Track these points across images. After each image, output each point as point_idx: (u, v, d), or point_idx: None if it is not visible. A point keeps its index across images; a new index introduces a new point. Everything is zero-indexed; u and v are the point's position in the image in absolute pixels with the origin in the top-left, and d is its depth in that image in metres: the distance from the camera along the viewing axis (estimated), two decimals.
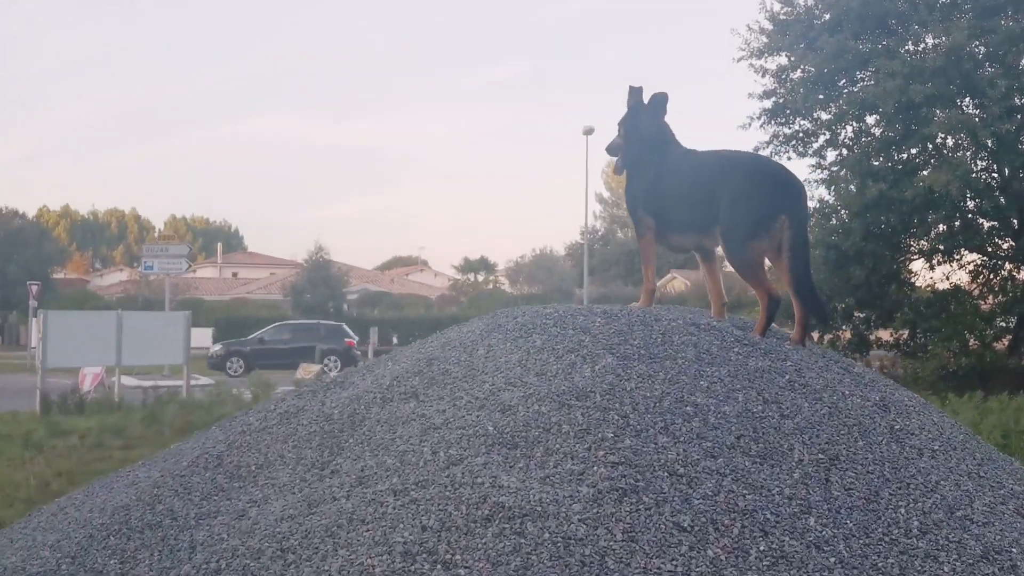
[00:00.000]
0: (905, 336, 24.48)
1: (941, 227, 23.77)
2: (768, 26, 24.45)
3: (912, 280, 25.01)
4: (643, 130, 6.31)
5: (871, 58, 22.38)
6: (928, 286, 25.16)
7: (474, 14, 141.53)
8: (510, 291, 54.38)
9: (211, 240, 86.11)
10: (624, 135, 6.37)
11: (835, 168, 24.55)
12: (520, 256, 58.77)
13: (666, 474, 4.05)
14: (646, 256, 6.39)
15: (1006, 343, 23.06)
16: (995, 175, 23.32)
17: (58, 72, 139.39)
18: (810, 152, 25.22)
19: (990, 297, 23.64)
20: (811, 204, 25.01)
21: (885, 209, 22.26)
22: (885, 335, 25.33)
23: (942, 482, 4.51)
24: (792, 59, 24.13)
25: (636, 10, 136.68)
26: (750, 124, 25.01)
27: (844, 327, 25.24)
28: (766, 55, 24.63)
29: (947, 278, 24.91)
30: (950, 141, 22.65)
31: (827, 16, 23.61)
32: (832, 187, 24.16)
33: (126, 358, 20.25)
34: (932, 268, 25.02)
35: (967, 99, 22.80)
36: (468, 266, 59.32)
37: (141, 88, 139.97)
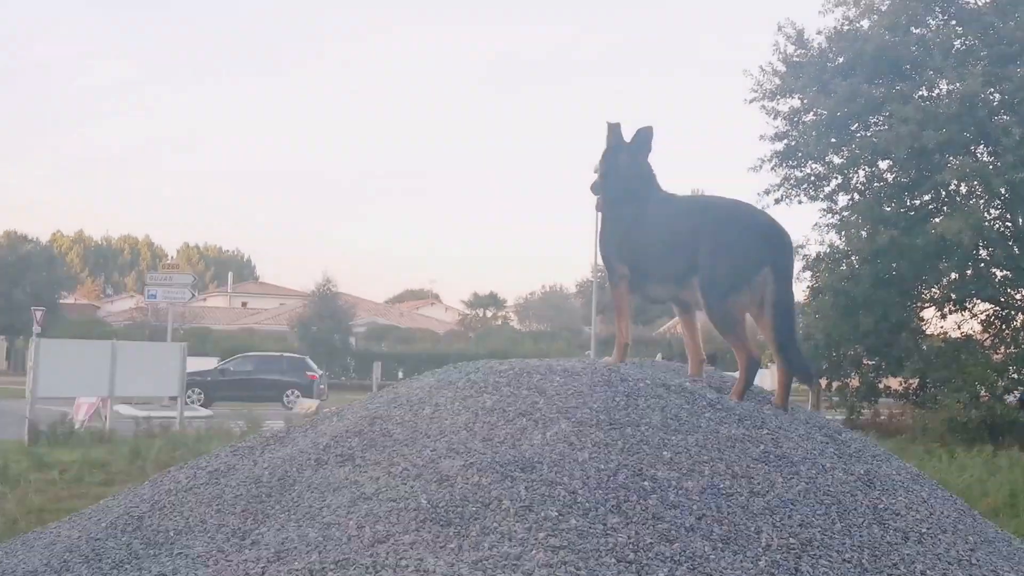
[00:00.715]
0: (915, 385, 23.98)
1: (953, 275, 23.32)
2: (781, 68, 24.10)
3: (923, 328, 24.52)
4: (622, 171, 5.90)
5: (884, 103, 22.00)
6: (940, 335, 24.66)
7: (485, 47, 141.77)
8: (519, 327, 53.91)
9: (223, 269, 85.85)
10: (603, 175, 5.96)
11: (846, 213, 24.12)
12: (530, 293, 58.44)
13: (613, 560, 3.61)
14: (619, 307, 5.95)
15: (1018, 395, 22.50)
16: (1008, 224, 22.87)
17: (75, 97, 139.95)
18: (821, 196, 24.80)
19: (1002, 348, 23.11)
20: (821, 249, 24.58)
21: (896, 256, 21.80)
22: (895, 383, 24.84)
23: (928, 572, 4.05)
24: (805, 102, 23.76)
25: (648, 49, 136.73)
26: (761, 166, 24.63)
27: (853, 374, 24.77)
28: (778, 97, 24.27)
29: (959, 327, 24.41)
30: (963, 188, 22.22)
31: (840, 59, 23.25)
32: (843, 232, 23.74)
33: (119, 388, 19.89)
34: (943, 317, 24.53)
35: (981, 146, 22.42)
36: (477, 301, 58.78)
37: (155, 114, 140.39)
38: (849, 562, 3.93)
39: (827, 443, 5.07)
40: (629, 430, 4.51)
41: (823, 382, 25.53)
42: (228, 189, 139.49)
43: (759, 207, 25.14)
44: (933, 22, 22.94)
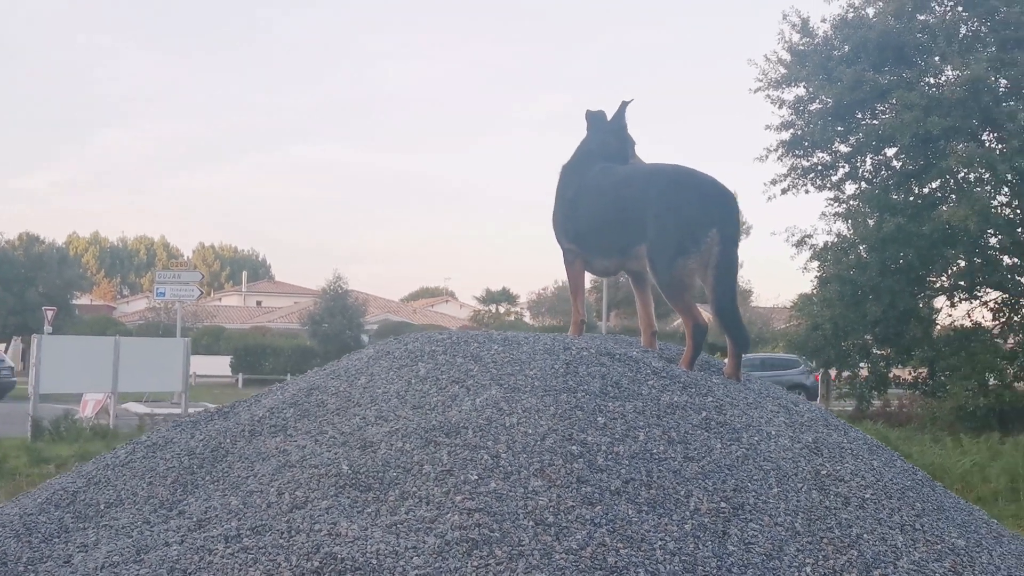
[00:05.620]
0: (924, 374, 23.81)
1: (961, 263, 23.13)
2: (786, 56, 23.93)
3: (932, 317, 24.34)
4: (576, 155, 5.99)
5: (889, 90, 21.82)
6: (950, 324, 24.48)
7: (505, 48, 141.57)
8: (531, 323, 53.81)
9: (238, 269, 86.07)
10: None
11: (853, 202, 23.96)
12: (543, 288, 58.38)
13: (531, 523, 3.54)
14: (574, 285, 5.92)
15: None
16: (1017, 210, 22.63)
17: (90, 100, 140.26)
18: (828, 185, 24.64)
19: (1011, 336, 22.90)
20: (828, 238, 24.44)
21: (903, 244, 21.61)
22: (904, 373, 24.68)
23: (865, 536, 3.95)
24: (810, 90, 23.59)
25: (664, 44, 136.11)
26: (767, 156, 24.47)
27: (862, 364, 24.62)
28: (784, 86, 24.11)
29: (968, 316, 24.21)
30: (971, 175, 22.00)
31: (846, 47, 23.06)
32: (849, 221, 23.58)
33: (123, 384, 19.85)
34: (953, 305, 24.34)
35: (987, 133, 22.20)
36: (490, 297, 58.72)
37: (176, 119, 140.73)
38: (781, 526, 3.84)
39: (778, 412, 4.97)
40: (564, 396, 4.43)
41: (832, 373, 25.42)
42: (244, 190, 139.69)
43: (766, 197, 24.58)
44: (939, 8, 22.70)
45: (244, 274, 78.23)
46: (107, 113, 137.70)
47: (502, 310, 58.22)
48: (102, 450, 15.31)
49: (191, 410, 21.88)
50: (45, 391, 19.05)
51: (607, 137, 5.95)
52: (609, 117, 6.05)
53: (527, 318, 56.01)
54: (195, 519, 3.89)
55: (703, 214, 5.19)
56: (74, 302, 49.84)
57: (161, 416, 20.37)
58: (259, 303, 70.20)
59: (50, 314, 34.36)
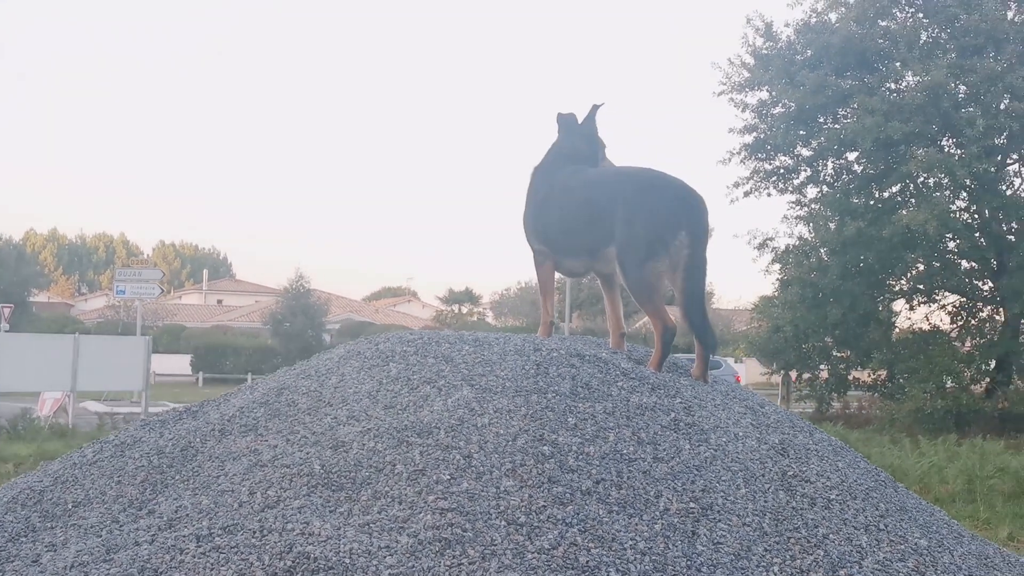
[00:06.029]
0: (883, 377, 24.06)
1: (920, 267, 23.40)
2: (749, 60, 24.13)
3: (891, 320, 24.62)
4: (547, 156, 6.05)
5: (851, 95, 22.07)
6: (909, 327, 24.78)
7: (467, 40, 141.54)
8: (494, 323, 53.95)
9: (199, 267, 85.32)
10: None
11: (815, 205, 24.20)
12: (506, 289, 58.52)
13: (503, 523, 3.57)
14: (544, 286, 5.97)
15: (984, 386, 22.61)
16: (975, 215, 22.95)
17: (53, 93, 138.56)
18: (790, 188, 24.87)
19: (968, 339, 23.22)
20: (790, 241, 24.64)
21: (863, 247, 21.88)
22: (863, 375, 24.93)
23: (831, 536, 4.01)
24: (773, 94, 23.80)
25: (622, 39, 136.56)
26: (730, 159, 24.64)
27: (822, 366, 24.85)
28: (747, 90, 24.30)
29: (927, 319, 24.52)
30: (930, 180, 22.30)
31: (808, 52, 23.30)
32: (811, 224, 23.81)
33: (82, 383, 19.65)
34: (912, 309, 24.64)
35: (946, 138, 22.50)
36: (453, 297, 58.77)
37: (136, 111, 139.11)
38: (749, 526, 3.89)
39: (744, 414, 5.02)
40: (535, 397, 4.46)
41: (793, 374, 25.67)
42: (205, 187, 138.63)
43: (728, 200, 24.60)
44: (900, 14, 23.01)
45: (205, 272, 77.63)
46: (59, 106, 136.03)
47: (465, 310, 58.22)
48: (61, 449, 15.19)
49: (151, 409, 21.75)
50: (3, 389, 18.88)
51: (578, 140, 6.00)
52: (580, 120, 6.09)
53: (490, 318, 56.09)
54: (166, 518, 3.88)
55: (672, 217, 5.23)
56: (31, 299, 49.27)
57: (121, 415, 20.22)
58: (220, 301, 69.73)
59: (7, 311, 33.92)
